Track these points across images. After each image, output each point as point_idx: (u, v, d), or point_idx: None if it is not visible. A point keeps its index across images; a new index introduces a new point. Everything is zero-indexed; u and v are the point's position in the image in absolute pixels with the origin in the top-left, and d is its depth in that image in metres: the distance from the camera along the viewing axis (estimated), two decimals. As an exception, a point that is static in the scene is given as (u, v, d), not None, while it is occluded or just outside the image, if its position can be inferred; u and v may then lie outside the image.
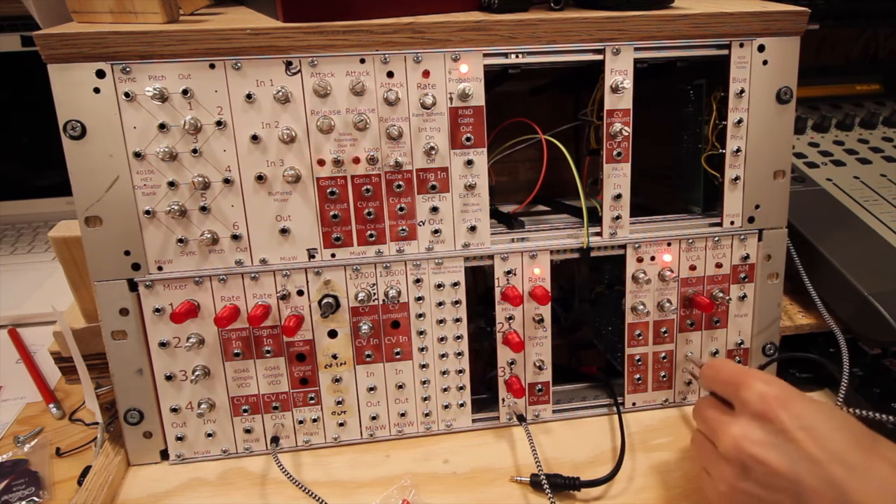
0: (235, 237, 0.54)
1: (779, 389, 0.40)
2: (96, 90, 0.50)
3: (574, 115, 0.66)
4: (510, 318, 0.60)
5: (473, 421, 0.62)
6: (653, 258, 0.60)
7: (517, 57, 0.55)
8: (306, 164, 0.54)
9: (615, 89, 0.56)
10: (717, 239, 0.61)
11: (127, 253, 0.53)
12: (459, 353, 0.60)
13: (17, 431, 0.63)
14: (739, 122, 0.58)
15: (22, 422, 0.65)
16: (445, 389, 0.60)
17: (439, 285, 0.58)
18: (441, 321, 0.58)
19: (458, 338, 0.59)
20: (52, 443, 0.61)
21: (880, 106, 0.95)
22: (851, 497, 0.34)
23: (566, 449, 0.59)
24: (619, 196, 0.58)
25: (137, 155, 0.51)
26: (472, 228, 0.57)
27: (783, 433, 0.38)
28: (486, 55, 0.54)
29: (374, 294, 0.57)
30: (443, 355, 0.59)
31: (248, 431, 0.58)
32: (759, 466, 0.38)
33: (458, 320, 0.59)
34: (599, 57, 0.56)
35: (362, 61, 0.52)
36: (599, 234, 0.59)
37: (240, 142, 0.52)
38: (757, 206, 0.61)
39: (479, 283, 0.66)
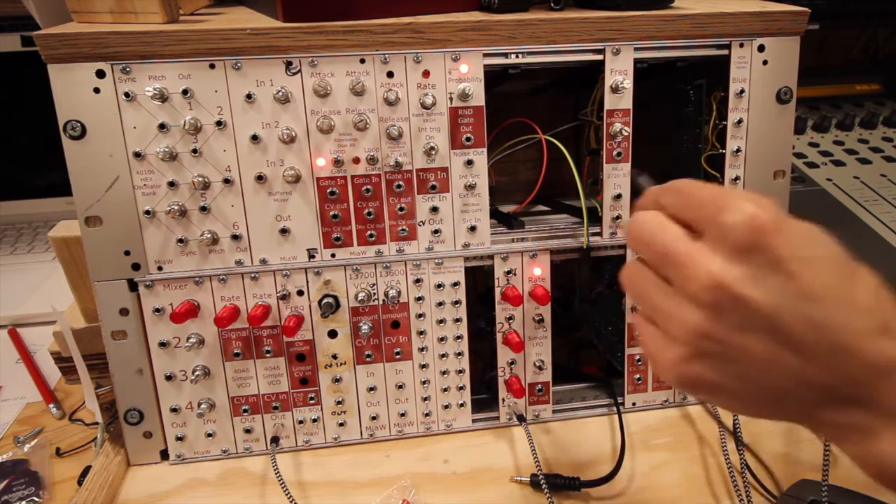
0: (235, 237, 0.54)
1: (772, 213, 0.32)
2: (96, 90, 0.50)
3: (574, 115, 0.66)
4: (510, 318, 0.60)
5: (473, 421, 0.62)
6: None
7: (517, 57, 0.55)
8: (306, 164, 0.54)
9: (615, 89, 0.56)
10: (717, 239, 0.61)
11: (127, 253, 0.53)
12: (459, 353, 0.60)
13: (17, 431, 0.63)
14: (739, 122, 0.58)
15: (22, 422, 0.65)
16: (445, 389, 0.60)
17: (439, 285, 0.58)
18: (441, 321, 0.58)
19: (458, 338, 0.59)
20: (52, 443, 0.61)
21: (880, 106, 0.95)
22: (833, 333, 0.31)
23: (566, 449, 0.59)
24: (619, 196, 0.58)
25: (137, 155, 0.51)
26: (472, 228, 0.57)
27: (777, 265, 0.31)
28: (486, 55, 0.54)
29: (374, 294, 0.57)
30: (443, 355, 0.59)
31: (248, 431, 0.58)
32: (737, 308, 0.32)
33: (458, 320, 0.59)
34: (599, 57, 0.56)
35: (362, 61, 0.52)
36: (599, 234, 0.59)
37: (240, 142, 0.52)
38: (757, 206, 0.60)
39: (479, 283, 0.66)
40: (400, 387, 0.59)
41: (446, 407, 0.61)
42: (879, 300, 0.32)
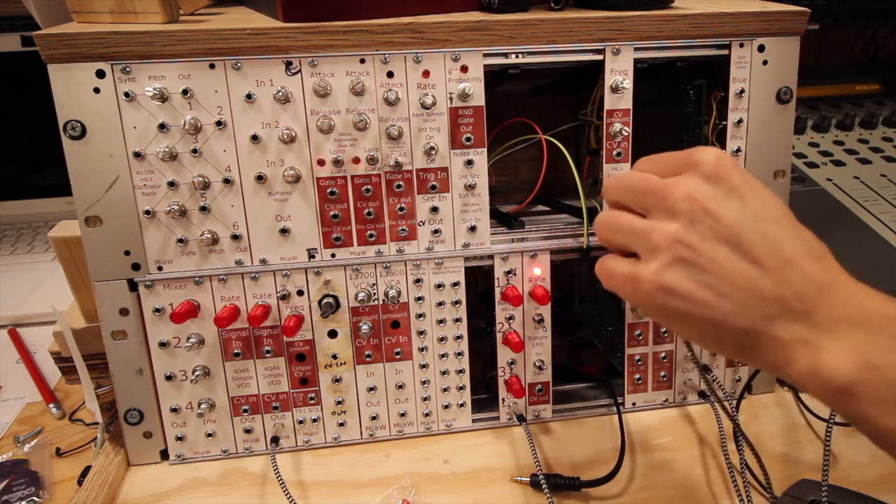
0: (235, 237, 0.54)
1: (731, 158, 0.42)
2: (96, 90, 0.50)
3: (574, 115, 0.66)
4: (510, 318, 0.60)
5: (473, 421, 0.62)
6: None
7: (517, 57, 0.55)
8: (306, 164, 0.54)
9: (615, 89, 0.56)
10: (717, 239, 0.61)
11: (127, 253, 0.53)
12: (459, 353, 0.60)
13: (17, 431, 0.63)
14: (739, 122, 0.58)
15: (22, 422, 0.65)
16: (445, 389, 0.60)
17: (439, 285, 0.58)
18: (441, 321, 0.58)
19: (458, 338, 0.59)
20: (52, 443, 0.61)
21: (880, 106, 0.95)
22: (783, 250, 0.37)
23: (566, 449, 0.59)
24: (619, 196, 0.58)
25: (137, 155, 0.51)
26: (472, 228, 0.57)
27: (734, 191, 0.39)
28: (486, 55, 0.54)
29: (374, 294, 0.57)
30: (443, 355, 0.59)
31: (248, 431, 0.58)
32: (707, 219, 0.39)
33: (458, 320, 0.59)
34: (599, 57, 0.56)
35: (362, 61, 0.52)
36: (599, 234, 0.59)
37: (240, 142, 0.52)
38: (757, 206, 0.60)
39: (479, 283, 0.66)
40: (400, 387, 0.59)
41: (446, 407, 0.61)
42: (815, 239, 0.39)
